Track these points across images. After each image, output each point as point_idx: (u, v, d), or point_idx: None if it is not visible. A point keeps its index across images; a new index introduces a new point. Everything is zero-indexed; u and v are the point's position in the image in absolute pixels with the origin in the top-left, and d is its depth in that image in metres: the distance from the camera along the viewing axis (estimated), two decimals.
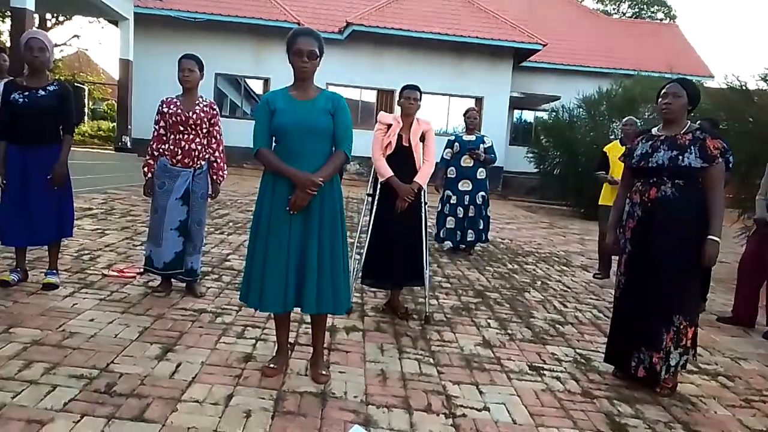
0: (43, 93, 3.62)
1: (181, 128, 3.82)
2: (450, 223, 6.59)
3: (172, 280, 4.01)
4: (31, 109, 3.58)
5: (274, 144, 2.81)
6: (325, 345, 3.31)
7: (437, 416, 2.67)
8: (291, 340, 3.23)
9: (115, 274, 4.25)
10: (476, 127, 6.65)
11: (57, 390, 2.44)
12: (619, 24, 23.99)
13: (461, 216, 6.56)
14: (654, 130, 3.38)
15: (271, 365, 2.89)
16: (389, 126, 3.99)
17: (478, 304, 4.63)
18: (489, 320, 4.25)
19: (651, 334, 3.20)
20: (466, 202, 6.55)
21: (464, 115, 6.66)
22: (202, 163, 3.90)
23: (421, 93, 4.04)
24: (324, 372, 2.91)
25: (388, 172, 3.95)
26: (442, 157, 6.68)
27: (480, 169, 6.56)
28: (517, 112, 19.72)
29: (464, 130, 6.72)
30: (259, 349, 3.16)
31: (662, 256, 3.17)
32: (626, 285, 3.34)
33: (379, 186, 3.99)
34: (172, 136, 3.83)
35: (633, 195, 3.32)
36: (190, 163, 3.86)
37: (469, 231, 6.60)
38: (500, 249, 7.46)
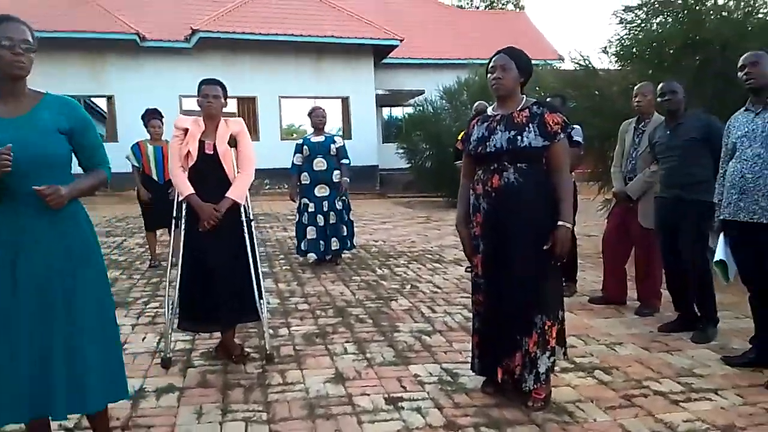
0: None
1: None
2: (311, 233, 5.95)
3: None
4: None
5: None
6: (121, 422, 2.55)
7: None
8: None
9: None
10: (324, 127, 6.05)
11: None
12: (471, 15, 24.66)
13: (322, 224, 5.94)
14: (489, 110, 2.95)
15: None
16: (186, 131, 3.25)
17: (336, 326, 4.03)
18: (346, 344, 3.65)
19: (510, 339, 2.76)
20: (326, 209, 5.95)
21: (309, 114, 6.05)
22: None
23: (224, 88, 3.32)
24: None
25: (186, 189, 3.20)
26: (293, 163, 6.05)
27: (335, 171, 5.98)
28: (386, 110, 19.54)
29: (312, 131, 6.10)
30: None
31: (513, 250, 2.74)
32: (484, 287, 2.87)
33: (184, 207, 3.25)
34: None
35: (476, 186, 2.86)
36: None
37: (333, 239, 6.00)
38: (371, 253, 6.95)
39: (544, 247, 2.68)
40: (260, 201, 13.62)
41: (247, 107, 16.12)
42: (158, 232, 6.21)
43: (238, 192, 3.24)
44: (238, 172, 3.29)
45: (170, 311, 3.30)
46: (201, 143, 3.24)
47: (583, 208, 6.78)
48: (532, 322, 2.73)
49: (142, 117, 5.99)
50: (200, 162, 3.22)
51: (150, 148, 5.88)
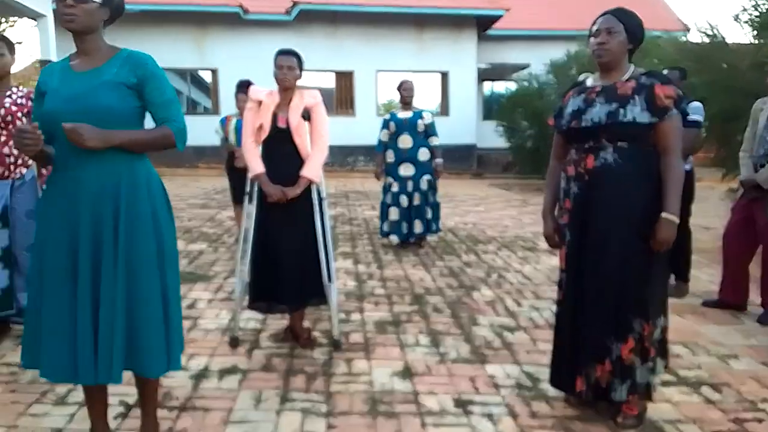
0: None
1: None
2: (393, 214, 5.75)
3: (12, 324, 3.15)
4: None
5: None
6: (179, 402, 2.50)
7: None
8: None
9: None
10: (412, 101, 5.77)
11: None
12: None
13: (405, 206, 5.71)
14: (588, 80, 2.55)
15: None
16: (260, 103, 3.12)
17: (411, 314, 3.81)
18: (419, 335, 3.43)
19: (598, 343, 2.41)
20: (410, 189, 5.70)
21: (398, 88, 5.78)
22: (24, 171, 3.03)
23: (300, 59, 3.15)
24: None
25: (256, 166, 3.09)
26: (379, 140, 5.84)
27: (422, 149, 5.70)
28: (488, 85, 18.82)
29: (399, 106, 5.85)
30: (76, 421, 2.32)
31: (606, 243, 2.37)
32: (568, 284, 2.53)
33: (255, 183, 3.14)
34: None
35: (567, 167, 2.51)
36: (5, 173, 3.00)
37: (416, 221, 5.76)
38: (459, 237, 6.64)
39: (647, 242, 2.30)
40: (354, 178, 13.67)
41: (345, 82, 16.12)
42: None
43: (312, 170, 3.09)
44: (311, 147, 3.12)
45: (241, 289, 3.23)
46: (274, 116, 3.10)
47: (703, 197, 6.07)
48: (628, 326, 2.37)
49: (235, 89, 6.01)
50: (273, 136, 3.09)
51: (233, 121, 5.90)
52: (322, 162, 3.15)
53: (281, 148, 3.10)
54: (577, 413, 2.53)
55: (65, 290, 1.87)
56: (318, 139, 3.12)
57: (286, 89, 3.11)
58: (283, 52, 3.12)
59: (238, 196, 6.02)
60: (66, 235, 1.87)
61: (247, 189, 3.21)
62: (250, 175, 3.14)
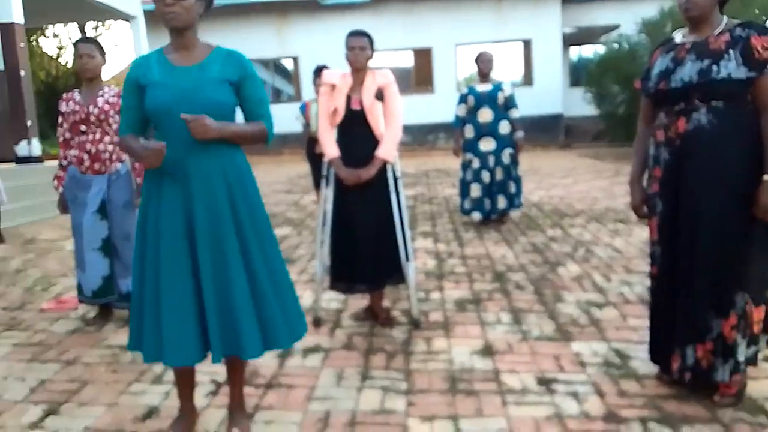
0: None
1: (83, 127, 3.18)
2: (475, 191, 5.64)
3: (114, 308, 3.41)
4: None
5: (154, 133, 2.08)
6: (265, 380, 2.62)
7: None
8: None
9: (52, 307, 3.72)
10: (490, 73, 5.60)
11: None
12: None
13: (487, 181, 5.59)
14: (677, 37, 2.36)
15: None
16: (334, 87, 3.14)
17: (492, 293, 3.74)
18: (501, 313, 3.37)
19: (697, 321, 2.26)
20: (491, 164, 5.57)
21: (476, 60, 5.62)
22: (118, 165, 3.25)
23: (371, 39, 3.13)
24: (238, 430, 2.17)
25: (331, 150, 3.12)
26: (456, 115, 5.74)
27: (502, 122, 5.54)
28: (574, 51, 17.92)
29: (477, 78, 5.69)
30: (171, 398, 2.48)
31: (702, 212, 2.20)
32: (662, 257, 2.38)
33: (332, 168, 3.18)
34: (76, 138, 3.20)
35: (656, 132, 2.35)
36: (102, 169, 3.22)
37: (499, 197, 5.63)
38: (544, 212, 6.43)
39: (747, 209, 2.12)
40: (434, 156, 13.58)
41: (423, 59, 15.95)
42: None
43: (387, 150, 3.09)
44: (385, 128, 3.12)
45: (322, 271, 3.31)
46: (348, 99, 3.12)
47: None
48: (730, 301, 2.20)
49: (313, 75, 6.10)
50: (347, 118, 3.11)
51: (314, 106, 5.99)
52: (397, 141, 3.14)
53: (356, 130, 3.12)
54: (671, 392, 2.39)
55: (185, 275, 1.96)
56: (391, 118, 3.11)
57: (358, 70, 3.11)
58: (353, 33, 3.12)
59: (319, 181, 6.15)
60: (181, 221, 1.97)
61: (324, 172, 3.25)
62: (325, 159, 3.19)
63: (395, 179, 3.19)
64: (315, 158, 6.00)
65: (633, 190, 2.50)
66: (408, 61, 16.20)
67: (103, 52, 3.23)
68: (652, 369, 2.54)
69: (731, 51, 2.13)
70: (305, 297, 3.76)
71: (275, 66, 16.74)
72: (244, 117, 2.14)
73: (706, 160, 2.18)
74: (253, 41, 15.07)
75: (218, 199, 1.98)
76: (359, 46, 3.07)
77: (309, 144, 6.08)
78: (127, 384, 2.63)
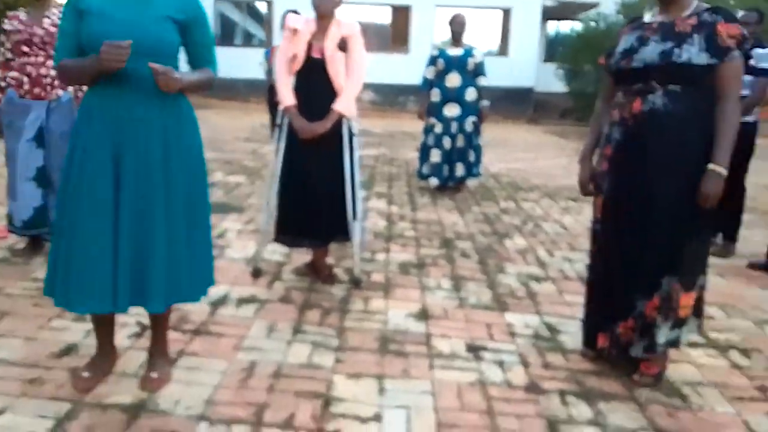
0: None
1: (25, 48, 2.99)
2: (435, 156, 5.61)
3: (44, 241, 3.28)
4: None
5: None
6: (194, 326, 2.57)
7: None
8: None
9: None
10: (462, 38, 5.51)
11: None
12: None
13: (448, 148, 5.56)
14: (647, 16, 2.33)
15: (84, 374, 2.09)
16: (296, 32, 3.01)
17: (437, 258, 3.76)
18: (442, 279, 3.39)
19: (623, 301, 2.32)
20: (454, 131, 5.53)
21: (450, 22, 5.52)
22: (60, 93, 3.08)
23: None
24: (157, 374, 2.13)
25: (287, 98, 3.02)
26: (424, 77, 5.64)
27: (469, 89, 5.48)
28: (552, 25, 17.83)
29: (450, 41, 5.60)
30: (92, 337, 2.39)
31: (646, 195, 2.23)
32: (602, 237, 2.41)
33: (286, 117, 3.08)
34: (18, 60, 3.01)
35: (612, 111, 2.34)
36: (42, 94, 3.05)
37: (458, 164, 5.62)
38: (501, 183, 6.47)
39: (692, 197, 2.15)
40: (402, 119, 13.46)
41: (401, 17, 15.62)
42: None
43: (344, 104, 3.01)
44: (345, 81, 3.02)
45: (266, 221, 3.24)
46: (309, 46, 3.00)
47: (766, 154, 5.67)
48: (655, 283, 2.26)
49: (281, 19, 5.89)
50: (307, 66, 3.00)
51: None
52: (355, 96, 3.06)
53: (314, 80, 3.01)
54: (593, 368, 2.45)
55: (104, 217, 1.86)
56: (353, 71, 3.01)
57: (323, 17, 2.98)
58: None
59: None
60: (108, 161, 1.86)
61: (278, 121, 3.15)
62: (280, 107, 3.09)
63: (350, 136, 3.12)
64: (275, 108, 5.85)
65: (582, 167, 2.51)
66: (386, 18, 15.84)
67: None
68: (576, 343, 2.60)
69: (696, 35, 2.12)
70: (249, 247, 3.70)
71: (248, 8, 16.14)
72: (188, 60, 2.04)
73: (660, 143, 2.18)
74: None
75: (150, 144, 1.88)
76: None
77: (270, 92, 5.91)
78: (48, 319, 2.55)
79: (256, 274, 3.22)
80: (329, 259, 3.42)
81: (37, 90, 3.04)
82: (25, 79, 3.03)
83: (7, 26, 3.04)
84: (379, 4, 15.39)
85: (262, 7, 16.06)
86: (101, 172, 1.86)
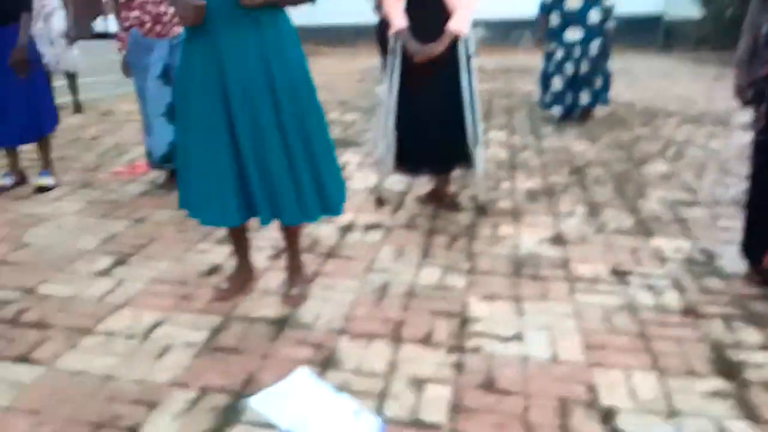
0: None
1: None
2: (557, 83, 5.22)
3: None
4: None
5: None
6: (325, 249, 2.58)
7: (433, 351, 1.84)
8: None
9: (124, 170, 3.81)
10: None
11: None
12: None
13: (571, 73, 5.14)
14: None
15: (223, 285, 2.19)
16: None
17: (569, 186, 3.51)
18: (576, 206, 3.16)
19: None
20: (577, 55, 5.09)
21: None
22: (179, 30, 3.13)
23: None
24: (296, 291, 2.16)
25: (398, 21, 2.86)
26: (541, 0, 5.20)
27: (592, 10, 4.99)
28: None
29: None
30: (233, 259, 2.49)
31: None
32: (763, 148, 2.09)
33: (398, 41, 2.94)
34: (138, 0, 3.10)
35: None
36: (163, 32, 3.11)
37: (583, 91, 5.19)
38: (634, 111, 5.93)
39: None
40: (517, 56, 12.76)
41: None
42: None
43: (459, 23, 2.81)
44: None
45: (385, 151, 3.17)
46: None
47: None
48: None
49: None
50: None
51: None
52: (470, 15, 2.84)
53: (426, 2, 2.84)
54: (759, 293, 2.17)
55: (222, 140, 1.88)
56: None
57: None
58: None
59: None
60: (215, 88, 1.86)
61: (391, 45, 3.02)
62: (391, 31, 2.95)
63: (467, 57, 2.92)
64: (386, 44, 5.70)
65: (738, 72, 2.18)
66: None
67: None
68: (741, 269, 2.31)
69: None
70: (370, 179, 3.66)
71: None
72: None
73: None
74: None
75: (248, 62, 1.83)
76: None
77: (380, 28, 5.76)
78: (192, 243, 2.66)
79: (380, 203, 3.18)
80: (451, 187, 3.30)
81: (158, 28, 3.10)
82: (147, 18, 3.10)
83: None
84: None
85: None
86: (212, 98, 1.86)
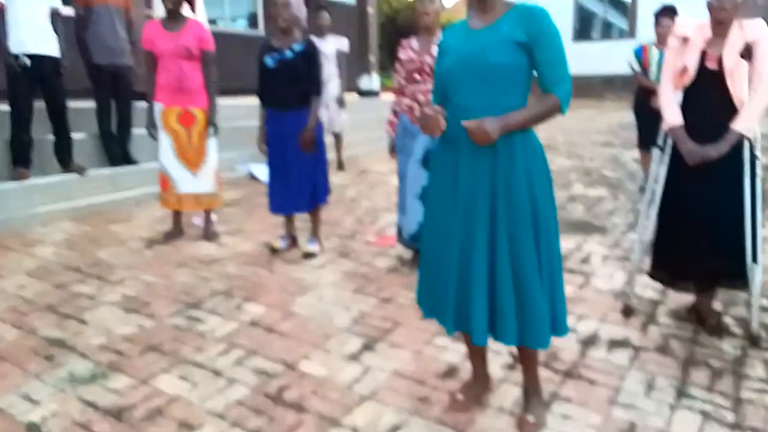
0: (290, 54, 3.58)
1: (417, 76, 3.31)
2: None
3: None
4: (279, 71, 3.57)
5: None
6: (565, 366, 2.49)
7: None
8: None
9: (375, 241, 4.12)
10: None
11: (232, 387, 2.35)
12: None
13: None
14: None
15: (459, 395, 2.22)
16: (687, 40, 2.63)
17: None
18: None
19: None
20: None
21: None
22: None
23: None
24: (532, 418, 2.09)
25: (672, 117, 2.66)
26: None
27: None
28: None
29: None
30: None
31: None
32: None
33: (669, 137, 2.73)
34: (410, 87, 3.36)
35: None
36: None
37: None
38: None
39: None
40: None
41: None
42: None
43: (745, 122, 2.53)
44: (750, 93, 2.53)
45: (640, 252, 2.95)
46: (703, 55, 2.60)
47: None
48: None
49: (655, 15, 5.33)
50: (699, 79, 2.61)
51: (654, 51, 5.24)
52: (761, 113, 2.53)
53: (708, 95, 2.61)
54: None
55: (450, 239, 1.94)
56: (759, 82, 2.49)
57: (721, 22, 2.54)
58: None
59: (645, 141, 5.47)
60: (450, 183, 1.95)
61: (659, 140, 2.82)
62: (663, 126, 2.75)
63: (752, 159, 2.59)
64: (645, 113, 5.33)
65: None
66: None
67: (440, 5, 3.27)
68: None
69: None
70: (616, 277, 3.43)
71: None
72: (539, 82, 1.91)
73: None
74: None
75: (480, 171, 1.87)
76: None
77: (639, 94, 5.41)
78: (432, 334, 2.76)
79: (627, 312, 2.95)
80: (716, 304, 2.92)
81: None
82: (416, 105, 3.35)
83: (401, 55, 3.40)
84: None
85: None
86: (445, 195, 1.95)
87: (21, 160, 4.68)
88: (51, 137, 4.87)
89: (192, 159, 4.01)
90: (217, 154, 4.13)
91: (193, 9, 4.02)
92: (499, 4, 1.89)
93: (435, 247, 2.02)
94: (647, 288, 3.21)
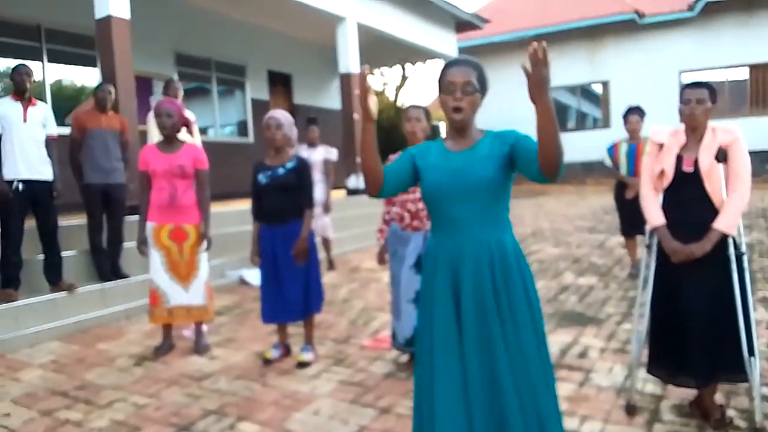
0: (282, 171, 3.70)
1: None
2: None
3: None
4: (271, 187, 3.68)
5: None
6: None
7: None
8: None
9: (370, 345, 4.07)
10: None
11: None
12: None
13: None
14: None
15: None
16: (662, 146, 2.78)
17: None
18: None
19: None
20: None
21: None
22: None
23: (712, 91, 2.71)
24: None
25: (655, 218, 2.76)
26: None
27: None
28: None
29: None
30: None
31: None
32: None
33: (655, 235, 2.81)
34: (400, 196, 3.46)
35: None
36: (420, 226, 3.42)
37: None
38: None
39: None
40: None
41: (761, 75, 13.54)
42: (639, 239, 5.78)
43: (726, 221, 2.62)
44: (727, 194, 2.65)
45: (638, 346, 2.94)
46: (679, 159, 2.74)
47: None
48: None
49: (623, 115, 5.64)
50: (676, 182, 2.73)
51: (624, 146, 5.53)
52: (741, 211, 2.63)
53: (688, 194, 2.73)
54: None
55: (450, 354, 1.94)
56: (737, 183, 2.63)
57: (694, 129, 2.72)
58: (694, 85, 2.73)
59: (627, 229, 5.62)
60: (449, 296, 1.97)
61: (646, 242, 2.90)
62: (648, 226, 2.84)
63: (738, 255, 2.66)
64: (624, 203, 5.52)
65: None
66: (742, 77, 13.98)
67: (429, 118, 3.43)
68: None
69: None
70: (615, 371, 3.38)
71: (582, 90, 16.21)
72: (536, 163, 1.94)
73: None
74: (564, 67, 14.86)
75: (484, 283, 1.93)
76: (697, 99, 2.69)
77: (617, 188, 5.64)
78: None
79: (631, 410, 2.88)
80: (718, 396, 2.88)
81: (415, 223, 3.43)
82: (406, 214, 3.45)
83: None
84: (733, 66, 13.70)
85: (596, 88, 15.92)
86: (443, 308, 1.97)
87: (9, 281, 4.65)
88: (40, 257, 4.87)
89: (183, 273, 4.02)
90: (207, 263, 4.15)
91: (190, 132, 4.18)
92: (475, 131, 2.06)
93: (431, 345, 1.99)
94: (648, 382, 3.16)
